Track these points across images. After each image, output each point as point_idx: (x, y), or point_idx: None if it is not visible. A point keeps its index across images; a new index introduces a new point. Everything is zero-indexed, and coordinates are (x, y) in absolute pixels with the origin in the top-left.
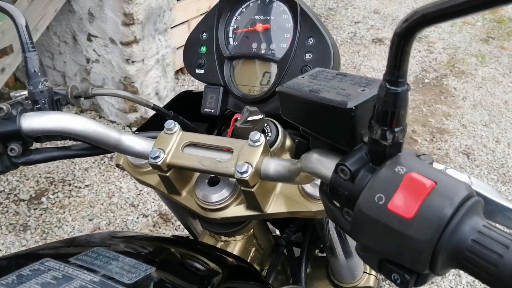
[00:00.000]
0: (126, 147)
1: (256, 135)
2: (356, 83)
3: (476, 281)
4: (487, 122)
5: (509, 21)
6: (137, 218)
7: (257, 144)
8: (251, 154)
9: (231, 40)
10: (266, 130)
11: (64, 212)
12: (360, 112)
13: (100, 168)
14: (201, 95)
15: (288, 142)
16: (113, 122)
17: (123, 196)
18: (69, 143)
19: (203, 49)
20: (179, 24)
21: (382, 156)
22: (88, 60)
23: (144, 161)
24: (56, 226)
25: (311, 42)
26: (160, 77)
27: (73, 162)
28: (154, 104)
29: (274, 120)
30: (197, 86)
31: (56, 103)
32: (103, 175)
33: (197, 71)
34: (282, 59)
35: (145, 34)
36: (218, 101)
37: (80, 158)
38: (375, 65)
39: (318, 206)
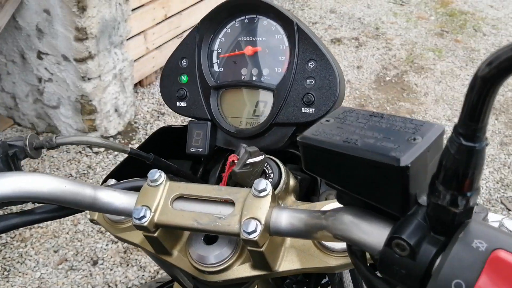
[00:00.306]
0: (103, 205)
1: (261, 184)
2: (401, 129)
3: None
4: (450, 117)
5: (460, 14)
6: (107, 245)
7: (263, 194)
8: (257, 207)
9: (216, 66)
10: (266, 171)
11: (26, 245)
12: (415, 169)
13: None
14: (181, 130)
15: (292, 181)
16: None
17: (90, 223)
18: (33, 204)
19: (184, 78)
20: (135, 35)
21: (449, 225)
22: (40, 80)
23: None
24: (18, 262)
25: (312, 66)
26: (119, 93)
27: None
28: (131, 148)
29: (274, 158)
30: (158, 99)
31: (12, 159)
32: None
33: (178, 104)
34: (278, 87)
35: (100, 49)
36: (206, 138)
37: None
38: None
39: (337, 260)
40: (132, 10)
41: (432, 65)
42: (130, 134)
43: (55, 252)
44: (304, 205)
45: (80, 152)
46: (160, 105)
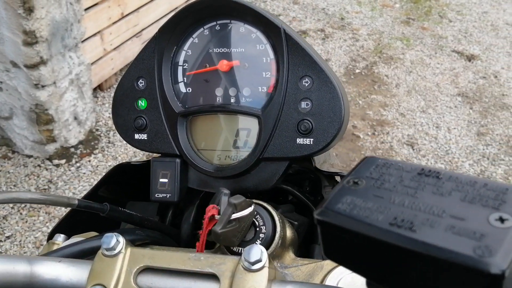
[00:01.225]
0: (45, 283)
1: (253, 252)
2: (475, 200)
3: None
4: (424, 108)
5: (424, 0)
6: None
7: (257, 266)
8: (251, 285)
9: (182, 86)
10: (257, 223)
11: None
12: (510, 273)
13: (21, 214)
14: (145, 167)
15: (289, 233)
16: (30, 156)
17: None
18: None
19: (142, 103)
20: (91, 36)
21: None
22: None
23: None
24: None
25: (307, 85)
26: (77, 99)
27: None
28: (79, 200)
29: (265, 205)
30: None
31: None
32: (26, 222)
33: (137, 136)
34: (264, 111)
35: (53, 53)
36: (175, 181)
37: None
38: None
39: None
40: (86, 9)
41: (401, 54)
42: (92, 143)
43: None
44: (307, 266)
45: (39, 165)
46: None
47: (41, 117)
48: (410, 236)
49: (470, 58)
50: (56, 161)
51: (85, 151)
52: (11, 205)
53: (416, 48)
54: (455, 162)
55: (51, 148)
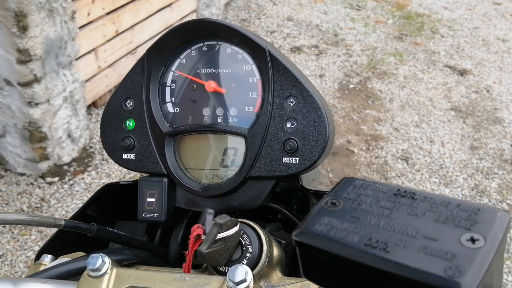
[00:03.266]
0: None
1: (238, 273)
2: (448, 220)
3: None
4: (418, 122)
5: (416, 16)
6: None
7: (242, 287)
8: None
9: (170, 106)
10: (243, 242)
11: None
12: None
13: (12, 233)
14: (133, 187)
15: (275, 251)
16: (22, 174)
17: None
18: None
19: (130, 123)
20: (85, 54)
21: None
22: None
23: None
24: None
25: (292, 104)
26: (71, 117)
27: None
28: (65, 220)
29: (251, 223)
30: None
31: None
32: (18, 241)
33: (125, 156)
34: (251, 131)
35: (46, 71)
36: (163, 200)
37: None
38: None
39: None
40: (80, 27)
41: (394, 69)
42: (86, 160)
43: None
44: (294, 285)
45: (31, 183)
46: None
47: (34, 135)
48: (384, 256)
49: (463, 72)
50: (49, 179)
51: (78, 169)
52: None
53: (409, 63)
54: (449, 176)
55: (44, 166)
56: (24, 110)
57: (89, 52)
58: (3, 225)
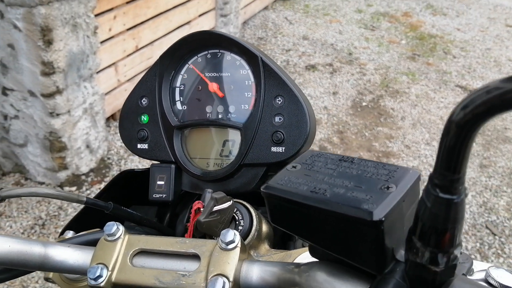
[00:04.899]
0: (56, 264)
1: (228, 235)
2: (372, 176)
3: None
4: (429, 140)
5: (429, 37)
6: None
7: (231, 246)
8: (225, 261)
9: (178, 104)
10: (236, 218)
11: None
12: (390, 222)
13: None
14: (145, 174)
15: (264, 227)
16: (42, 183)
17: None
18: None
19: (144, 118)
20: (106, 67)
21: (430, 284)
22: (5, 117)
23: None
24: None
25: (279, 102)
26: (90, 128)
27: None
28: (87, 198)
29: (244, 203)
30: None
31: None
32: None
33: (139, 146)
34: (245, 125)
35: (68, 83)
36: (170, 183)
37: None
38: (312, 93)
39: None
40: (101, 42)
41: (406, 88)
42: (103, 171)
43: None
44: (278, 254)
45: None
46: None
47: (54, 145)
48: (322, 198)
49: None
50: (67, 188)
51: (95, 179)
52: (18, 228)
53: (421, 82)
54: None
55: (63, 175)
56: (46, 120)
57: (109, 66)
58: (35, 197)
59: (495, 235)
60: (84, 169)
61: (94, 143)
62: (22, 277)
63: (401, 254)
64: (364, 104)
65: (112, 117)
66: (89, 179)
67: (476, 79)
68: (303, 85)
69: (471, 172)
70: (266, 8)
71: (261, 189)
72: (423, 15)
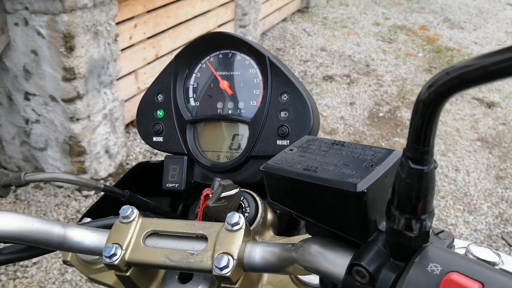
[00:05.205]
0: (74, 244)
1: (234, 217)
2: (360, 156)
3: None
4: (444, 151)
5: (446, 50)
6: None
7: (236, 228)
8: (230, 241)
9: (192, 100)
10: (243, 205)
11: None
12: (373, 195)
13: None
14: (160, 166)
15: (269, 215)
16: (60, 187)
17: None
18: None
19: (160, 113)
20: (126, 75)
21: (407, 249)
22: (27, 121)
23: (97, 256)
24: None
25: (285, 99)
26: (109, 133)
27: None
28: (104, 185)
29: (251, 192)
30: None
31: None
32: None
33: (155, 139)
34: (253, 120)
35: (89, 89)
36: (183, 173)
37: None
38: (329, 103)
39: None
40: (122, 50)
41: None
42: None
43: None
44: (281, 240)
45: (68, 196)
46: None
47: (74, 149)
48: (313, 175)
49: (490, 105)
50: (85, 192)
51: (114, 184)
52: None
53: None
54: (473, 204)
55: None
56: (66, 125)
57: (129, 73)
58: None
59: (510, 246)
60: (103, 173)
61: (113, 148)
62: (40, 278)
63: (383, 225)
64: (381, 114)
65: (132, 123)
66: (108, 183)
67: (492, 91)
68: (320, 95)
69: (487, 183)
70: (284, 20)
71: (260, 168)
72: (441, 28)
